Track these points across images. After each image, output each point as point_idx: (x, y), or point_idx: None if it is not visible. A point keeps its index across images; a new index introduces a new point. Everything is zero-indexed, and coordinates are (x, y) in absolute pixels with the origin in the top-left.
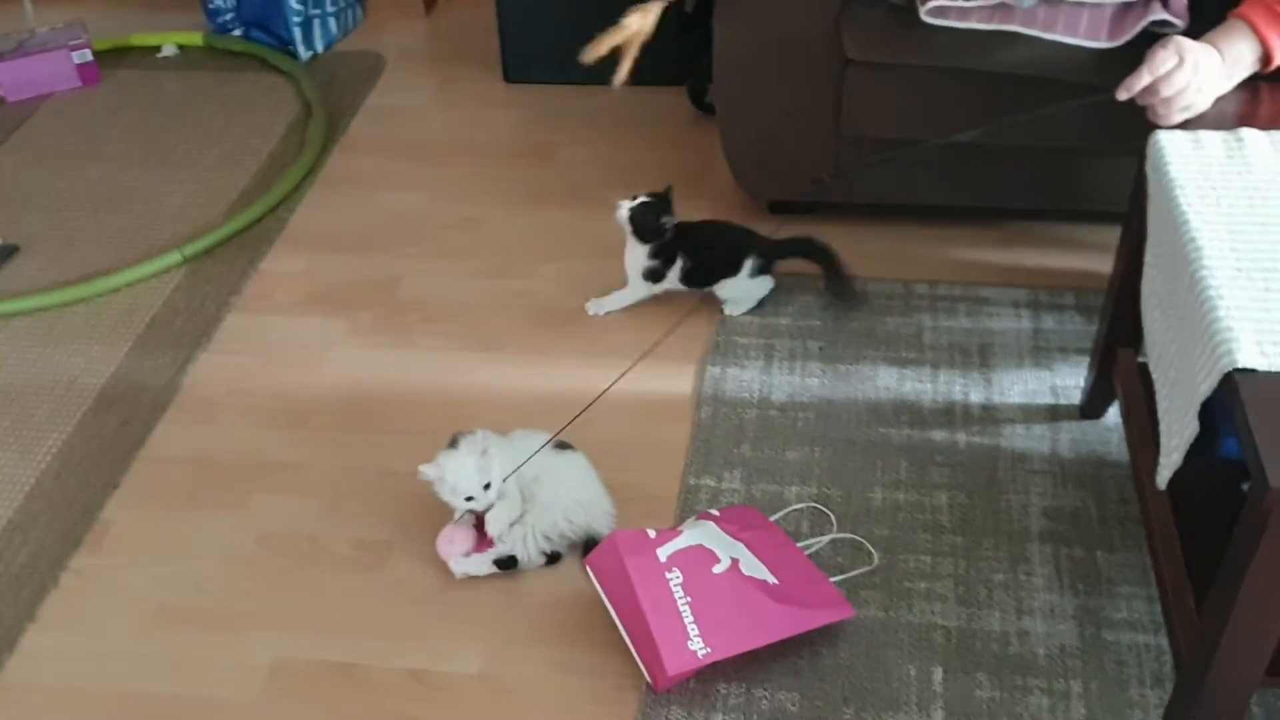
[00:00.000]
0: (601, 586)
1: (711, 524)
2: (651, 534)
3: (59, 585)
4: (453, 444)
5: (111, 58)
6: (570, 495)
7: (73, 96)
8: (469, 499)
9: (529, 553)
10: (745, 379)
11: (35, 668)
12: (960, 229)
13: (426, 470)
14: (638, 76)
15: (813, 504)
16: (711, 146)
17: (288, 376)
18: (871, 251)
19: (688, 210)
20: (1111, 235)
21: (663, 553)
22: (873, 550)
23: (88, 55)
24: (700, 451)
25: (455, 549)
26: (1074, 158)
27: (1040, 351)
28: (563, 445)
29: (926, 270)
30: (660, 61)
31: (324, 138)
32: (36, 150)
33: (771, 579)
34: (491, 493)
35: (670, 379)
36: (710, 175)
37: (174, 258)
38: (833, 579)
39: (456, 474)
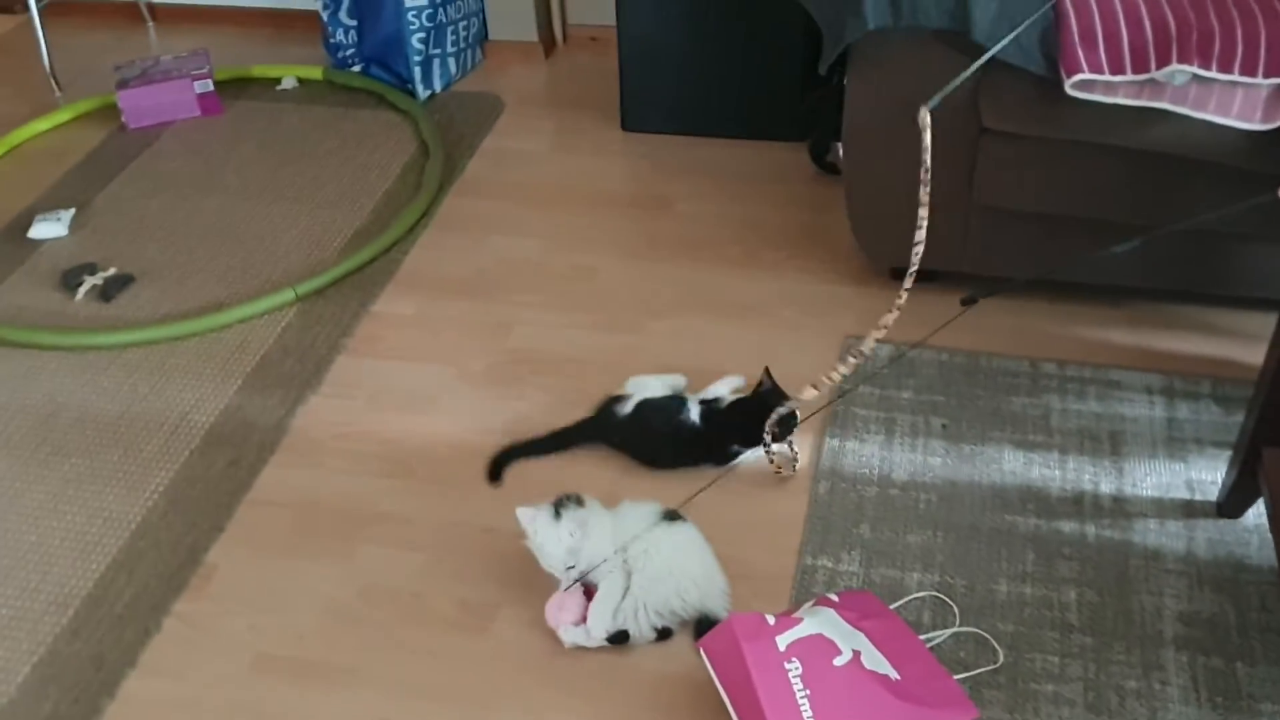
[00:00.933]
0: (715, 671)
1: (832, 611)
2: (770, 620)
3: (161, 630)
4: (557, 510)
5: (232, 88)
6: (683, 571)
7: (192, 125)
8: (570, 567)
9: (640, 628)
10: (865, 454)
11: (132, 714)
12: (1086, 306)
13: (523, 516)
14: (758, 130)
15: (935, 593)
16: (831, 207)
17: (395, 423)
18: (995, 326)
19: (800, 272)
20: (1250, 322)
21: (782, 641)
22: (997, 647)
23: (209, 85)
24: (817, 530)
25: (565, 617)
26: (1215, 240)
27: (1175, 442)
28: (673, 516)
29: (1053, 349)
30: (782, 117)
31: (440, 179)
32: (155, 179)
33: (893, 673)
34: (574, 574)
35: (786, 449)
36: (829, 236)
37: (287, 296)
38: (955, 676)
39: (545, 544)
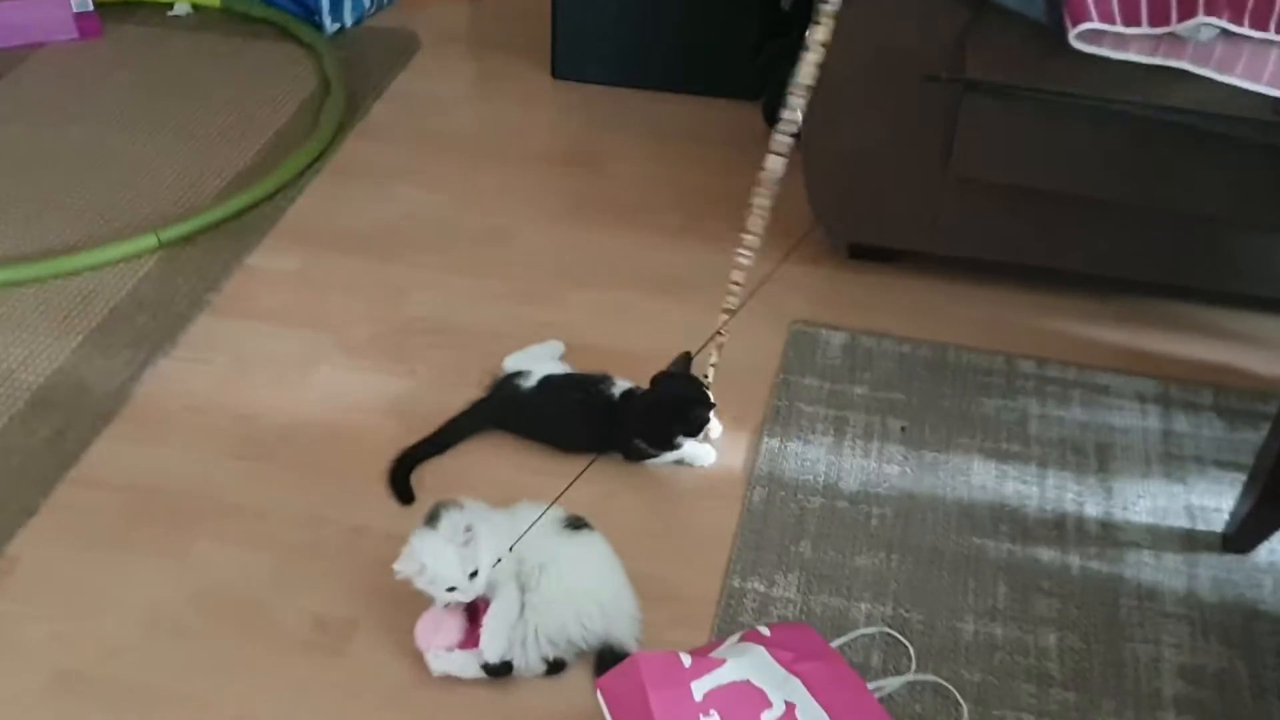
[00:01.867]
0: (613, 718)
1: (762, 650)
2: (685, 661)
3: None
4: (432, 519)
5: (117, 11)
6: (586, 592)
7: (67, 49)
8: (451, 589)
9: (528, 659)
10: (809, 458)
11: None
12: (1071, 299)
13: (402, 566)
14: (706, 85)
15: (887, 629)
16: (787, 175)
17: (258, 396)
18: (967, 316)
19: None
20: (1259, 325)
21: (699, 688)
22: (961, 700)
23: (88, 4)
24: (749, 545)
25: (439, 640)
26: (1222, 229)
27: (1172, 460)
28: (578, 524)
29: (1032, 344)
30: (733, 71)
31: (340, 120)
32: (15, 104)
33: None
34: (479, 581)
35: (719, 451)
36: (781, 208)
37: (148, 241)
38: None
39: (435, 560)
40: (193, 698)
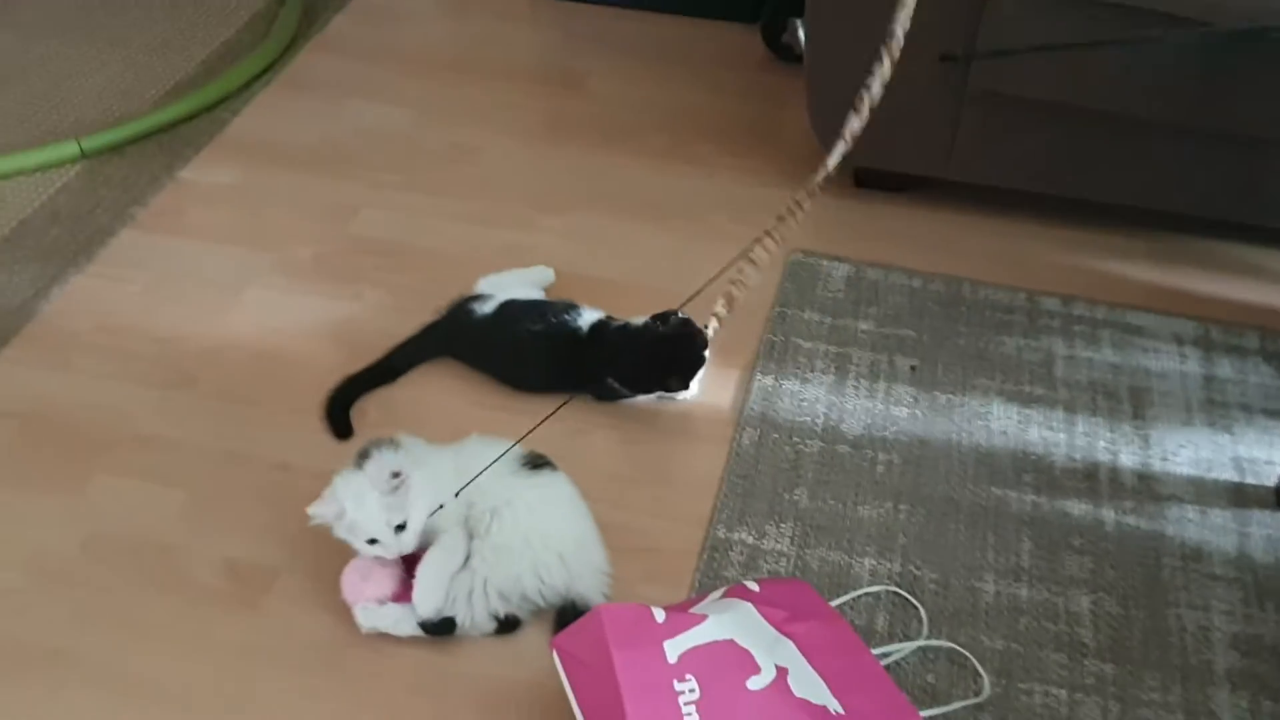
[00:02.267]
0: (571, 684)
1: (750, 607)
2: (658, 615)
3: None
4: (361, 458)
5: None
6: (546, 539)
7: None
8: (372, 541)
9: (474, 616)
10: (807, 397)
11: None
12: (1099, 233)
13: (318, 510)
14: (700, 4)
15: (894, 588)
16: (784, 98)
17: (180, 318)
18: (984, 250)
19: (740, 172)
20: None
21: (673, 648)
22: (981, 671)
23: None
24: (736, 492)
25: (369, 591)
26: (1273, 157)
27: (1215, 407)
28: (539, 463)
29: (1056, 281)
30: None
31: (294, 31)
32: None
33: (833, 704)
34: (408, 537)
35: (703, 385)
36: (780, 132)
37: (69, 150)
38: (923, 713)
39: (357, 506)
40: (77, 655)
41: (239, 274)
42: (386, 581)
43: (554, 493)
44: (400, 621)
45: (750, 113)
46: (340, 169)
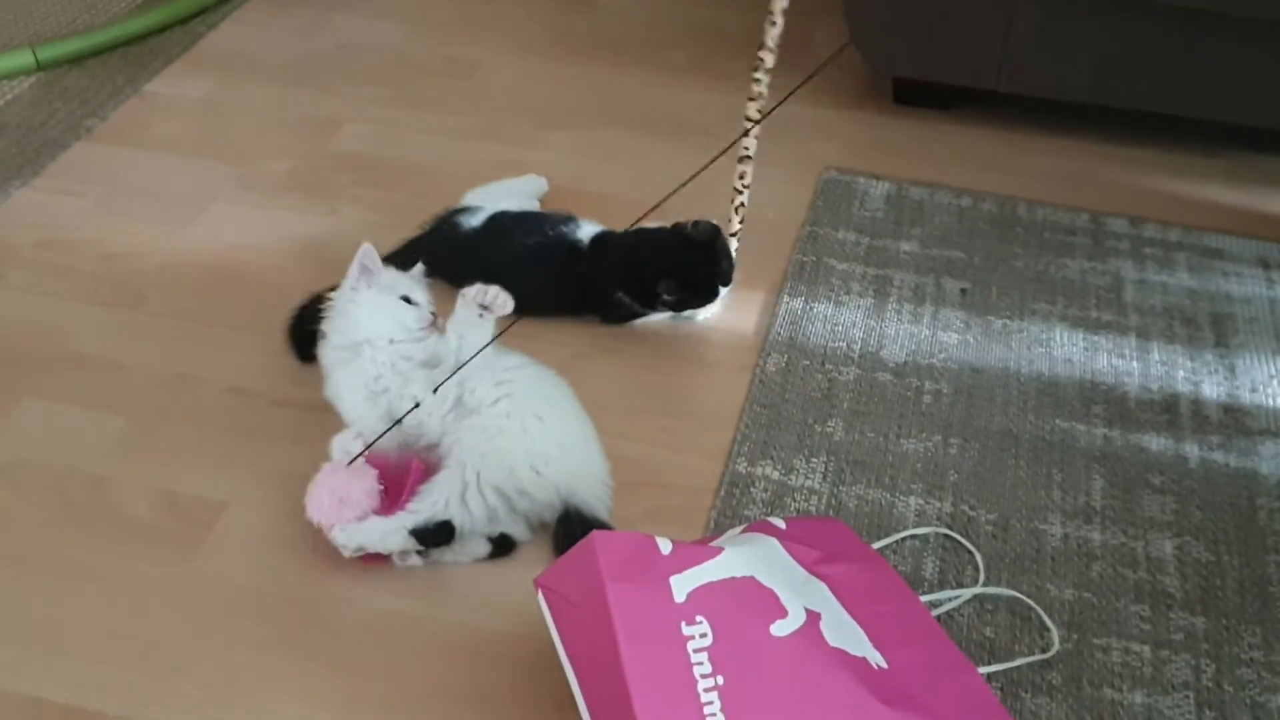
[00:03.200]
0: (558, 631)
1: (774, 543)
2: (664, 547)
3: None
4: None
5: None
6: (542, 430)
7: None
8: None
9: (471, 517)
10: (841, 321)
11: None
12: (1168, 152)
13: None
14: None
15: (945, 529)
16: (815, 11)
17: (132, 233)
18: (1040, 168)
19: (777, 95)
20: None
21: (681, 584)
22: (1049, 623)
23: None
24: (760, 423)
25: (347, 513)
26: None
27: None
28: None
29: (1124, 202)
30: None
31: None
32: None
33: (876, 657)
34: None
35: (724, 304)
36: (811, 45)
37: (24, 59)
38: (980, 669)
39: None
40: None
41: (202, 188)
42: (365, 498)
43: (550, 384)
44: (388, 535)
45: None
46: (323, 83)
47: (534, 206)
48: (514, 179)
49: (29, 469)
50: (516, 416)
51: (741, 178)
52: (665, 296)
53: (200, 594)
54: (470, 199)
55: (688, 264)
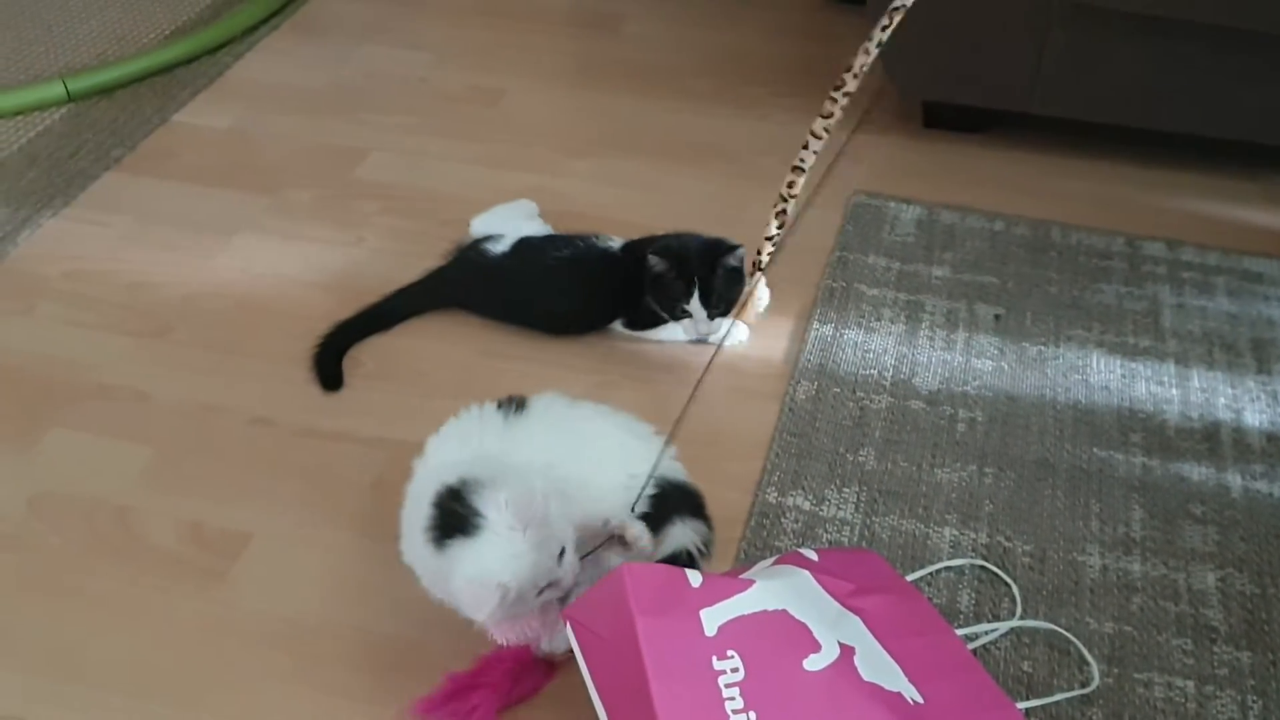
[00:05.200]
0: (587, 664)
1: (806, 575)
2: (694, 580)
3: None
4: (471, 525)
5: None
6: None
7: None
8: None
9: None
10: (873, 348)
11: None
12: (1207, 175)
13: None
14: None
15: (980, 561)
16: (841, 37)
17: (161, 263)
18: (1073, 192)
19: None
20: None
21: (711, 618)
22: (1088, 657)
23: None
24: (790, 452)
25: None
26: None
27: None
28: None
29: (1160, 225)
30: None
31: None
32: None
33: (911, 692)
34: (570, 558)
35: (753, 333)
36: (839, 67)
37: (55, 90)
38: (1020, 705)
39: (515, 570)
40: (7, 628)
41: (228, 218)
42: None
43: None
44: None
45: (803, 54)
46: (348, 113)
47: (536, 223)
48: (509, 203)
49: (56, 499)
50: (576, 463)
51: (790, 186)
52: (654, 267)
53: (224, 625)
54: (477, 226)
55: (696, 258)
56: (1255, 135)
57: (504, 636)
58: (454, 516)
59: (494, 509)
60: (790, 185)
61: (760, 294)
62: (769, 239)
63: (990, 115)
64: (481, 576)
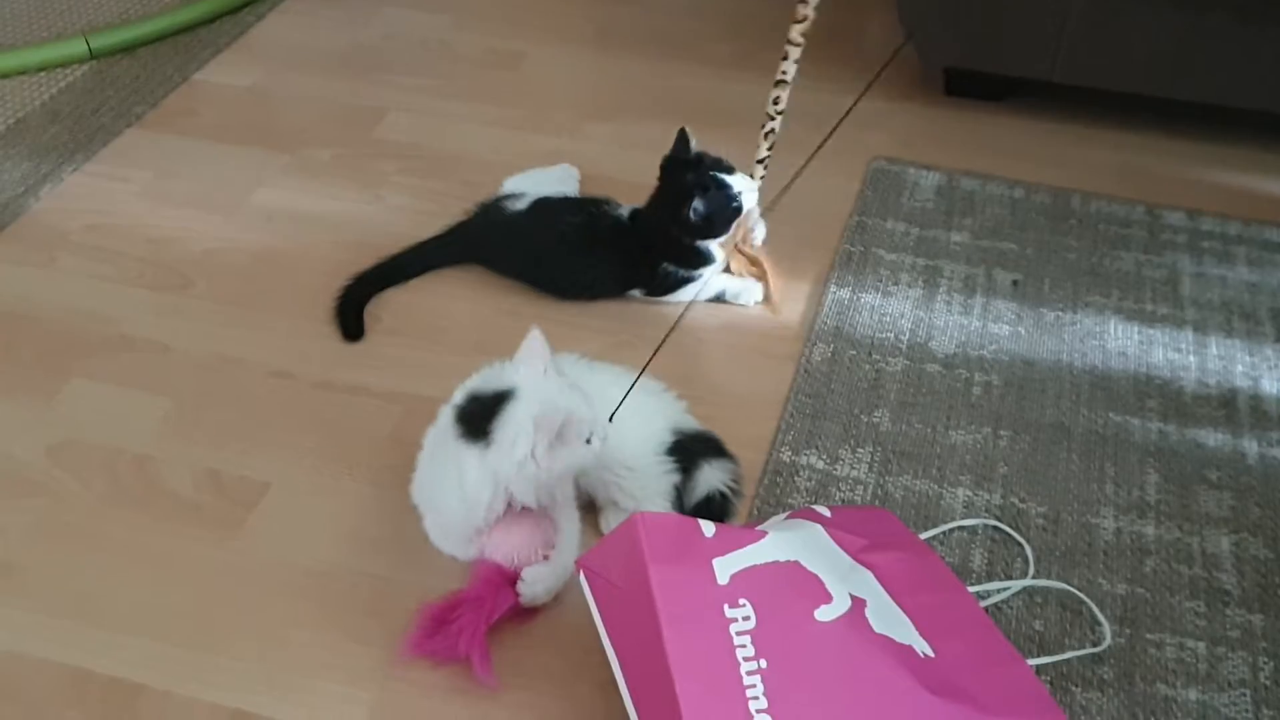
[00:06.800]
0: (600, 612)
1: (819, 529)
2: (707, 529)
3: None
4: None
5: None
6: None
7: None
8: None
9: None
10: (889, 312)
11: None
12: (1225, 145)
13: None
14: None
15: (994, 521)
16: (863, 6)
17: (181, 218)
18: (1094, 161)
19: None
20: None
21: (724, 567)
22: (1100, 617)
23: None
24: (804, 412)
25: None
26: None
27: None
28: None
29: (1180, 195)
30: None
31: None
32: None
33: (922, 646)
34: (597, 444)
35: (769, 293)
36: (860, 38)
37: (77, 48)
38: (1030, 661)
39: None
40: (27, 572)
41: (249, 175)
42: (529, 533)
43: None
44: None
45: (827, 20)
46: (368, 74)
47: (572, 193)
48: (549, 168)
49: (77, 447)
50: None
51: (775, 102)
52: (698, 207)
53: (242, 572)
54: (509, 185)
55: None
56: (1278, 106)
57: (496, 551)
58: (485, 404)
59: (522, 374)
60: (775, 101)
61: (757, 226)
62: (760, 161)
63: (1012, 83)
64: (545, 409)
